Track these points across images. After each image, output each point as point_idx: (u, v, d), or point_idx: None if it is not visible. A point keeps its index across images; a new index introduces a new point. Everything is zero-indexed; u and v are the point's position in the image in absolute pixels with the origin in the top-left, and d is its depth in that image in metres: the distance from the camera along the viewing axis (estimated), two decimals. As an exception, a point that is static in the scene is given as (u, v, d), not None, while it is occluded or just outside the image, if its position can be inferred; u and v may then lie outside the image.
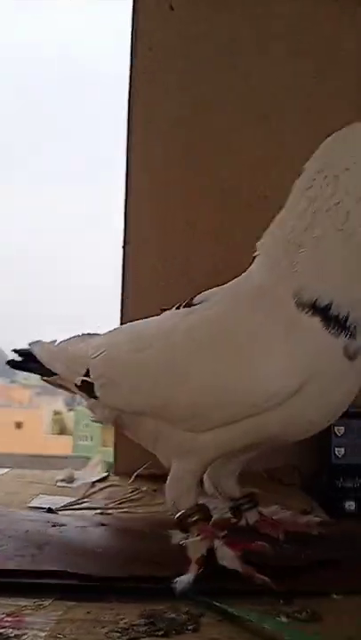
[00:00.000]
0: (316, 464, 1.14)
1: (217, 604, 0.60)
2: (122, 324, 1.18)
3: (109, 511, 1.00)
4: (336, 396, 0.71)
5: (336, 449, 1.08)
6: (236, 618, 0.58)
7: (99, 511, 0.99)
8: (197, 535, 0.71)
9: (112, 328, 0.93)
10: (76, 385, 0.86)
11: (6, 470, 1.28)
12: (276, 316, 0.70)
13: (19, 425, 10.14)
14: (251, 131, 1.27)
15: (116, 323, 1.24)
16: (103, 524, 0.87)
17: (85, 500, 1.07)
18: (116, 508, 1.01)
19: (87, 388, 0.85)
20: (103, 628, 0.57)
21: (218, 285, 0.79)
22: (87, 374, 0.84)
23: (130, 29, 1.28)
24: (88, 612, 0.60)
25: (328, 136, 0.73)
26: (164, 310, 0.82)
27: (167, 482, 0.77)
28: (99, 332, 0.93)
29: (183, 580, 0.64)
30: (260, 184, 1.23)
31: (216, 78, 1.27)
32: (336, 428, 1.08)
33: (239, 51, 1.28)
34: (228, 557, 0.67)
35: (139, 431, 0.82)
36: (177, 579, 0.64)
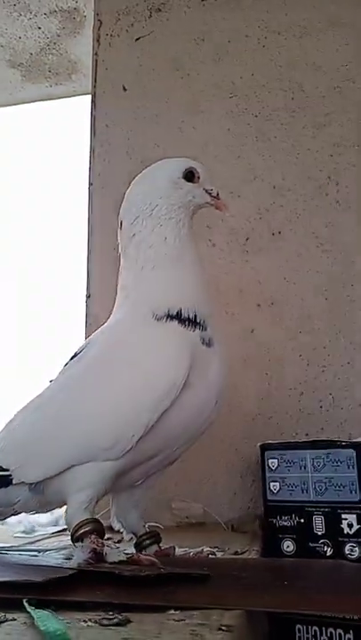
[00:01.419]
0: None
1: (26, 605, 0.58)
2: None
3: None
4: (211, 377, 0.85)
5: (271, 484, 1.02)
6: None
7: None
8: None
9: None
10: None
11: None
12: (145, 331, 0.84)
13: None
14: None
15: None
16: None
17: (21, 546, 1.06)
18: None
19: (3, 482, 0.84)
20: None
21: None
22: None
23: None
24: None
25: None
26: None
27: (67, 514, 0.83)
28: None
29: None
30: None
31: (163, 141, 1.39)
32: (269, 461, 1.03)
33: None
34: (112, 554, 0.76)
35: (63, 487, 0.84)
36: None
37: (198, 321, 0.84)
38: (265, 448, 1.04)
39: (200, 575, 0.71)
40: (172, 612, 0.61)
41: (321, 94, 1.35)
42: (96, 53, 1.46)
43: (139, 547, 0.89)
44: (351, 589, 0.74)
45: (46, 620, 0.52)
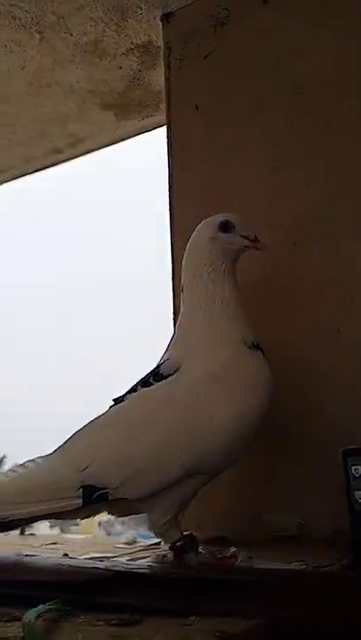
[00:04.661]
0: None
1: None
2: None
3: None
4: None
5: (356, 493, 0.94)
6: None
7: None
8: None
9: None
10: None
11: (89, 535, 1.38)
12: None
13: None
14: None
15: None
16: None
17: (116, 555, 1.10)
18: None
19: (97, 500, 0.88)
20: None
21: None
22: (91, 489, 0.88)
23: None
24: None
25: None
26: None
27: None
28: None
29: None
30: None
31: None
32: (353, 468, 0.95)
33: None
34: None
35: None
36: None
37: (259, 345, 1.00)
38: (348, 454, 0.96)
39: (241, 581, 0.68)
40: (193, 617, 0.60)
41: None
42: (168, 79, 1.51)
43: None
44: None
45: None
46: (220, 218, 1.03)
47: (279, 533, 1.14)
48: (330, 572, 0.84)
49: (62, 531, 1.49)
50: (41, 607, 0.57)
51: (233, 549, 1.02)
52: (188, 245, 1.06)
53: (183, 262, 1.06)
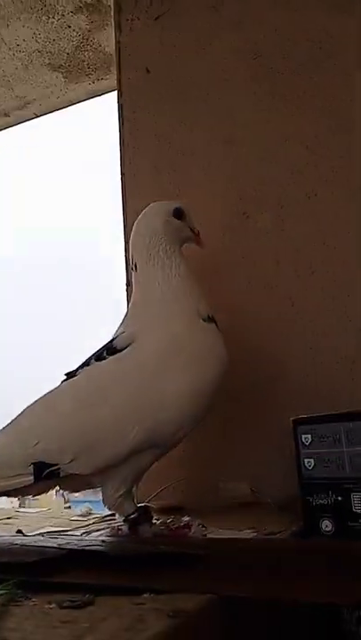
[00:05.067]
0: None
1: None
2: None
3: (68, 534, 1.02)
4: None
5: (305, 460, 0.96)
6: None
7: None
8: None
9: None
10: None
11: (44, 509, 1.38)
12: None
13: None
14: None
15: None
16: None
17: (71, 529, 1.10)
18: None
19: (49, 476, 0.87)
20: None
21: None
22: (42, 466, 0.87)
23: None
24: None
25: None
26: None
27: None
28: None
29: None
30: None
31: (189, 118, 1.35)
32: (302, 436, 0.97)
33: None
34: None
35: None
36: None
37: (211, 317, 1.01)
38: (298, 423, 0.98)
39: (195, 555, 0.69)
40: (146, 595, 0.60)
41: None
42: (118, 41, 1.45)
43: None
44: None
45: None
46: (174, 205, 1.07)
47: (233, 501, 1.16)
48: (278, 543, 0.85)
49: (20, 503, 1.47)
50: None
51: (187, 519, 1.04)
52: (139, 225, 1.06)
53: (134, 241, 1.06)
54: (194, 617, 0.53)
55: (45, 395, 0.96)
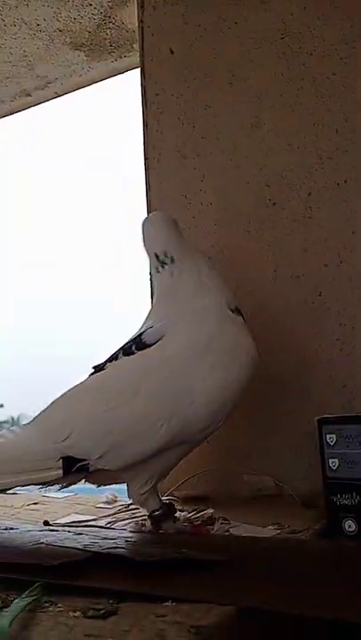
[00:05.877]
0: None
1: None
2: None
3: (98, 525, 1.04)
4: None
5: (330, 460, 0.95)
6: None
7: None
8: None
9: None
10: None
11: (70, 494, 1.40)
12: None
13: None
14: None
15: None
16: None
17: (96, 518, 1.12)
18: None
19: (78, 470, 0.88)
20: None
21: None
22: (71, 461, 0.88)
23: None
24: None
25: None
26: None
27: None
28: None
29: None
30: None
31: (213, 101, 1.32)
32: (327, 436, 0.95)
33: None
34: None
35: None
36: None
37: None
38: (322, 422, 0.97)
39: (217, 561, 0.69)
40: (168, 604, 0.60)
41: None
42: (141, 20, 1.41)
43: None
44: None
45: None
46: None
47: (257, 493, 1.16)
48: (303, 546, 0.85)
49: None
50: (14, 607, 0.56)
51: (210, 511, 1.04)
52: (163, 220, 1.05)
53: (157, 235, 1.03)
54: (215, 633, 0.53)
55: (73, 388, 0.96)
